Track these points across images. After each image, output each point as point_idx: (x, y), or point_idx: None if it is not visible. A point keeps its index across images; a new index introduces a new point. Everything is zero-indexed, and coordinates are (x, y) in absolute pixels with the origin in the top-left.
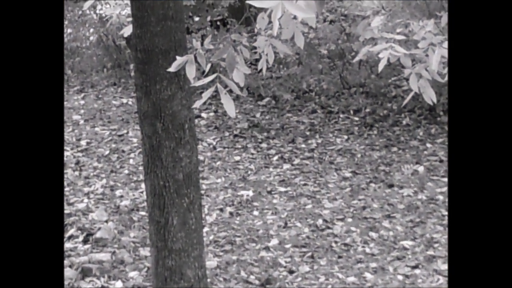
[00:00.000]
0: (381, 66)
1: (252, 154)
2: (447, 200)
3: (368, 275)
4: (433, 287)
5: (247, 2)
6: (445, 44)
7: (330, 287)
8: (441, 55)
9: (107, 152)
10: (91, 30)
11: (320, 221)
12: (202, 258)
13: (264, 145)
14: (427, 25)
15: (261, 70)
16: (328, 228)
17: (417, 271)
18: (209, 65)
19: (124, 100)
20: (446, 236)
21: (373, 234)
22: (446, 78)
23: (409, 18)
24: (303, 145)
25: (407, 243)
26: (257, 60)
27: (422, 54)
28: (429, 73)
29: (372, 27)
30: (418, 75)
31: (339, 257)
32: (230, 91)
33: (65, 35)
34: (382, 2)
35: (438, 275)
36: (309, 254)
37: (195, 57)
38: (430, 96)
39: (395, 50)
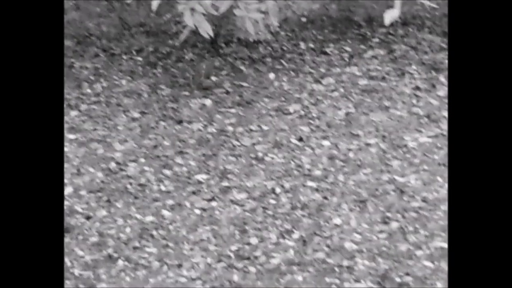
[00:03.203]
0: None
1: None
2: (236, 130)
3: (165, 213)
4: (230, 217)
5: None
6: None
7: (129, 228)
8: None
9: None
10: None
11: (113, 164)
12: None
13: None
14: None
15: None
16: (122, 170)
17: (213, 204)
18: None
19: None
20: (239, 166)
21: (167, 172)
22: (221, 10)
23: None
24: (88, 90)
25: (201, 177)
26: None
27: None
28: (202, 7)
29: None
30: (192, 10)
31: (135, 197)
32: None
33: None
34: None
35: (234, 204)
36: (105, 198)
37: None
38: (206, 30)
39: None
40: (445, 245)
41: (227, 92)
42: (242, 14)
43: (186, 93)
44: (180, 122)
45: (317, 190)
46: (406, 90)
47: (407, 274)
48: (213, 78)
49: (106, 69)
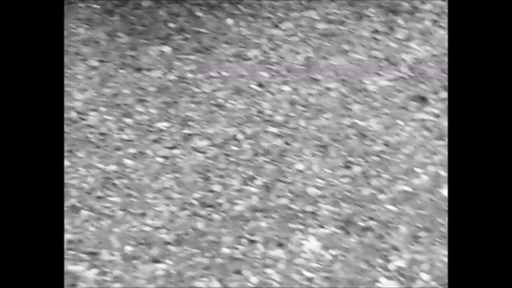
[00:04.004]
0: None
1: None
2: (196, 77)
3: (128, 161)
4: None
5: None
6: None
7: (92, 178)
8: None
9: None
10: None
11: (73, 114)
12: None
13: None
14: None
15: None
16: (83, 119)
17: (175, 151)
18: None
19: None
20: (200, 113)
21: (128, 120)
22: None
23: None
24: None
25: (162, 125)
26: None
27: None
28: None
29: None
30: None
31: (97, 147)
32: None
33: None
34: None
35: (196, 152)
36: (67, 148)
37: None
38: None
39: None
40: (408, 189)
41: (186, 39)
42: None
43: (145, 40)
44: (139, 69)
45: (278, 135)
46: (365, 33)
47: (371, 218)
48: (171, 25)
49: (63, 18)
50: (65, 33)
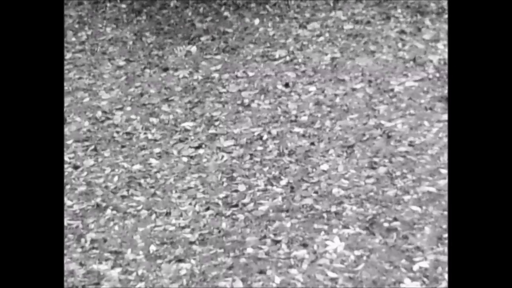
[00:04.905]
0: None
1: None
2: (222, 77)
3: (153, 161)
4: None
5: None
6: None
7: (117, 177)
8: None
9: None
10: None
11: (99, 113)
12: None
13: None
14: None
15: None
16: (108, 119)
17: (200, 151)
18: None
19: None
20: (226, 113)
21: (154, 120)
22: None
23: None
24: (73, 39)
25: (188, 125)
26: None
27: None
28: None
29: None
30: None
31: (123, 146)
32: None
33: None
34: None
35: (222, 151)
36: (92, 147)
37: None
38: None
39: None
40: (433, 189)
41: (213, 39)
42: None
43: (171, 40)
44: (165, 69)
45: (304, 136)
46: (392, 34)
47: (395, 219)
48: (198, 25)
49: (90, 17)
50: (92, 32)
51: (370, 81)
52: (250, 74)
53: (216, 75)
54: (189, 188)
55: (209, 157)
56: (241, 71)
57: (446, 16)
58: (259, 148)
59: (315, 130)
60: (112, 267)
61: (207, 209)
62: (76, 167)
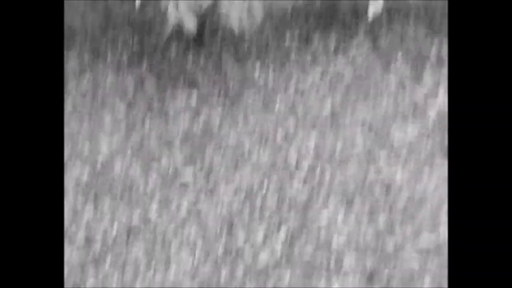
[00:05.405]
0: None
1: None
2: (222, 125)
3: (152, 210)
4: None
5: None
6: None
7: (116, 226)
8: None
9: None
10: None
11: (99, 160)
12: None
13: None
14: None
15: None
16: (108, 166)
17: (200, 200)
18: None
19: None
20: (225, 162)
21: (154, 166)
22: (205, 5)
23: None
24: (74, 85)
25: (188, 173)
26: None
27: None
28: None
29: None
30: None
31: (122, 194)
32: None
33: None
34: None
35: (220, 200)
36: (92, 194)
37: None
38: (190, 25)
39: None
40: (433, 241)
41: (213, 87)
42: (226, 8)
43: (172, 88)
44: (165, 117)
45: (304, 185)
46: (392, 81)
47: (395, 270)
48: (198, 72)
49: (91, 64)
50: (92, 77)
51: (370, 130)
52: (251, 122)
53: (216, 123)
54: (188, 238)
55: (209, 206)
56: (241, 120)
57: (446, 65)
58: (259, 197)
59: (315, 180)
60: None
61: (206, 260)
62: (74, 214)
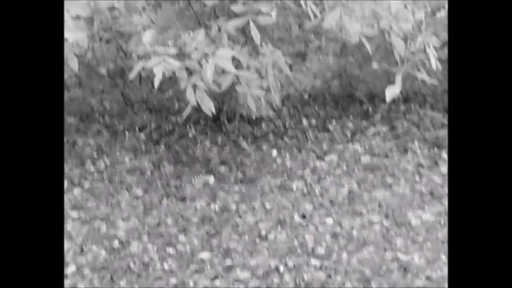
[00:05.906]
0: (157, 81)
1: None
2: (239, 207)
3: None
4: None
5: None
6: (219, 52)
7: None
8: (215, 64)
9: None
10: None
11: (116, 242)
12: None
13: None
14: (198, 35)
15: None
16: (125, 248)
17: (217, 282)
18: None
19: None
20: (242, 244)
21: (170, 250)
22: (223, 86)
23: (182, 29)
24: (91, 168)
25: (204, 255)
26: None
27: (196, 65)
28: (204, 83)
29: (143, 42)
30: (194, 87)
31: (138, 276)
32: None
33: None
34: (151, 16)
35: (238, 283)
36: (108, 277)
37: None
38: (208, 107)
39: (169, 63)
40: None
41: (230, 169)
42: (243, 90)
43: (189, 170)
44: (183, 199)
45: (320, 268)
46: (409, 167)
47: None
48: (216, 155)
49: (109, 146)
50: (111, 161)
51: (387, 214)
52: (267, 205)
53: (233, 205)
54: None
55: None
56: (259, 202)
57: None
58: (276, 280)
59: (331, 263)
60: None
61: None
62: None
